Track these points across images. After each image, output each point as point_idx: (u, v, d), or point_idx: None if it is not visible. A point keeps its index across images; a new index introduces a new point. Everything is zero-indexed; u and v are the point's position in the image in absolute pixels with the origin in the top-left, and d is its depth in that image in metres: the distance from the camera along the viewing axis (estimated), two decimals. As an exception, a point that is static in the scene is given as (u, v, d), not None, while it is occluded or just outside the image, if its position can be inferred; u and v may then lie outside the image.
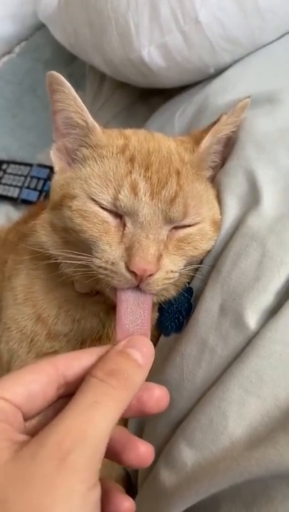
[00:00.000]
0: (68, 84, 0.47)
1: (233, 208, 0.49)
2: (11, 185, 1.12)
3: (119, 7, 0.75)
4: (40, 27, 1.39)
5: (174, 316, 0.49)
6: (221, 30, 0.70)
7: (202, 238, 0.47)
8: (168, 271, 0.44)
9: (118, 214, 0.45)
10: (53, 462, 0.25)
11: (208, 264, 0.48)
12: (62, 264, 0.50)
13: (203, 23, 0.69)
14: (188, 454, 0.39)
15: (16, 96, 1.33)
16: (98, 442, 0.27)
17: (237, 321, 0.41)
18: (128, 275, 0.42)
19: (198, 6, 0.68)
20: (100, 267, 0.43)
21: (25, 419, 0.30)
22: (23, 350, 0.55)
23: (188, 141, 0.52)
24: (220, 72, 0.74)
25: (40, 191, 1.07)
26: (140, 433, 0.50)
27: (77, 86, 0.56)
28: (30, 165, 1.13)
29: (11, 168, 1.15)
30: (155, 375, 0.45)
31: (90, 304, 0.52)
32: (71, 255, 0.45)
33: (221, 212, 0.49)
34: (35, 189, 1.08)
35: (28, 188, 1.09)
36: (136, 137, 0.50)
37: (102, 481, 0.27)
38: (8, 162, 1.17)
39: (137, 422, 0.51)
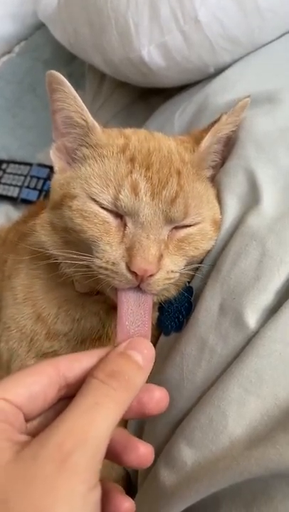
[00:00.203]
0: (68, 84, 0.47)
1: (232, 207, 0.49)
2: (10, 184, 1.12)
3: (119, 6, 0.75)
4: (40, 26, 1.39)
5: (174, 316, 0.49)
6: (221, 30, 0.70)
7: (203, 238, 0.47)
8: (169, 271, 0.44)
9: (119, 214, 0.45)
10: (54, 463, 0.25)
11: (208, 264, 0.48)
12: (63, 264, 0.50)
13: (202, 22, 0.69)
14: (188, 454, 0.39)
15: (15, 95, 1.33)
16: (99, 443, 0.27)
17: (237, 320, 0.41)
18: (129, 275, 0.42)
19: (198, 6, 0.68)
20: (101, 267, 0.43)
21: (27, 420, 0.30)
22: (23, 350, 0.55)
23: (189, 140, 0.52)
24: (220, 71, 0.74)
25: (40, 191, 1.07)
26: (140, 432, 0.50)
27: (77, 85, 0.56)
28: (30, 164, 1.13)
29: (11, 168, 1.15)
30: (155, 374, 0.45)
31: (89, 304, 0.52)
32: (71, 255, 0.45)
33: (221, 212, 0.49)
34: (35, 188, 1.08)
35: (27, 187, 1.09)
36: (136, 137, 0.50)
37: (102, 481, 0.27)
38: (8, 162, 1.17)
39: (136, 421, 0.51)
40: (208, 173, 0.53)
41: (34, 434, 0.28)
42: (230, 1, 0.68)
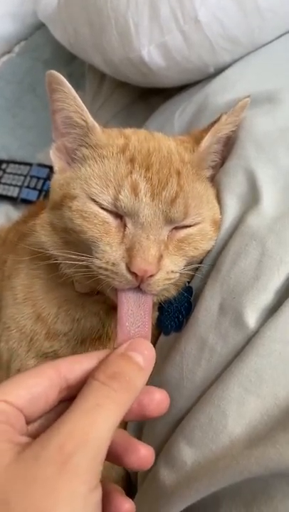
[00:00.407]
0: (68, 84, 0.47)
1: (232, 207, 0.49)
2: (10, 184, 1.12)
3: (119, 6, 0.76)
4: (39, 26, 1.39)
5: (173, 315, 0.49)
6: (221, 30, 0.70)
7: (202, 238, 0.47)
8: (168, 271, 0.44)
9: (118, 214, 0.45)
10: (55, 465, 0.25)
11: (208, 264, 0.48)
12: (63, 264, 0.50)
13: (202, 22, 0.69)
14: (187, 453, 0.39)
15: (15, 95, 1.33)
16: (100, 445, 0.27)
17: (237, 319, 0.41)
18: (129, 276, 0.42)
19: (198, 6, 0.68)
20: (101, 268, 0.43)
21: (28, 422, 0.30)
22: (23, 350, 0.55)
23: (188, 140, 0.52)
24: (220, 71, 0.74)
25: (40, 191, 1.07)
26: (140, 432, 0.50)
27: (77, 85, 0.56)
28: (30, 164, 1.13)
29: (11, 168, 1.15)
30: (155, 374, 0.45)
31: (89, 304, 0.52)
32: (71, 256, 0.45)
33: (221, 212, 0.49)
34: (34, 188, 1.08)
35: (27, 187, 1.09)
36: (136, 137, 0.50)
37: (103, 482, 0.28)
38: (8, 161, 1.17)
39: (136, 421, 0.51)
40: (208, 173, 0.53)
41: (35, 435, 0.28)
42: (230, 1, 0.68)
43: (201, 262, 0.49)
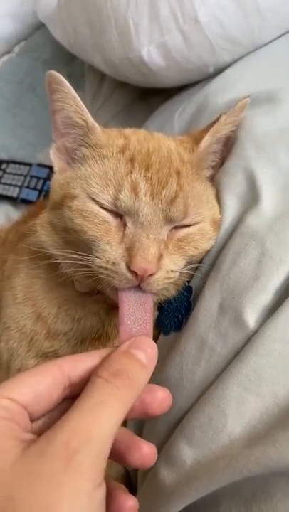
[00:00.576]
0: (68, 84, 0.47)
1: (232, 207, 0.49)
2: (10, 184, 1.12)
3: (119, 6, 0.76)
4: (39, 26, 1.39)
5: (173, 315, 0.49)
6: (221, 30, 0.70)
7: (202, 238, 0.47)
8: (168, 270, 0.44)
9: (118, 214, 0.45)
10: (60, 461, 0.25)
11: (207, 263, 0.48)
12: (63, 264, 0.50)
13: (202, 22, 0.69)
14: (187, 452, 0.39)
15: (15, 95, 1.33)
16: (104, 442, 0.27)
17: (236, 319, 0.41)
18: (129, 275, 0.42)
19: (198, 6, 0.68)
20: (101, 267, 0.43)
21: (32, 419, 0.30)
22: (23, 350, 0.55)
23: (188, 140, 0.52)
24: (219, 71, 0.75)
25: (40, 191, 1.07)
26: (139, 432, 0.50)
27: (77, 86, 0.56)
28: (30, 164, 1.13)
29: (11, 168, 1.15)
30: (155, 373, 0.45)
31: (89, 303, 0.52)
32: (71, 255, 0.45)
33: (221, 212, 0.50)
34: (34, 189, 1.08)
35: (27, 187, 1.09)
36: (136, 137, 0.50)
37: (106, 480, 0.28)
38: (8, 162, 1.17)
39: (136, 420, 0.51)
40: (208, 173, 0.53)
41: (39, 433, 0.28)
42: (230, 1, 0.68)
43: (200, 262, 0.49)
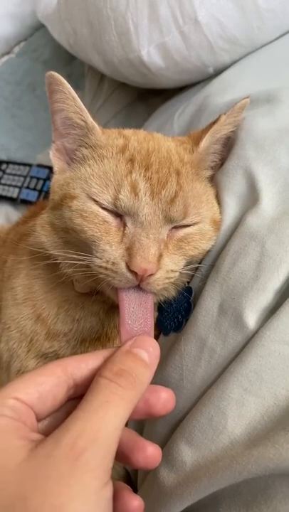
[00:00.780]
0: (68, 85, 0.47)
1: (232, 207, 0.49)
2: (10, 185, 1.12)
3: (119, 7, 0.76)
4: (39, 27, 1.40)
5: (173, 316, 0.49)
6: (220, 30, 0.70)
7: (202, 238, 0.47)
8: (168, 270, 0.44)
9: (118, 214, 0.45)
10: (67, 462, 0.26)
11: (207, 264, 0.48)
12: (62, 264, 0.50)
13: (202, 22, 0.69)
14: (187, 453, 0.39)
15: (15, 96, 1.33)
16: (110, 441, 0.28)
17: (236, 320, 0.41)
18: (129, 275, 0.42)
19: (198, 6, 0.69)
20: (101, 267, 0.43)
21: (38, 419, 0.31)
22: (23, 350, 0.55)
23: (188, 141, 0.52)
24: (219, 72, 0.75)
25: (40, 191, 1.07)
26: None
27: (76, 86, 0.56)
28: (30, 165, 1.13)
29: (11, 168, 1.15)
30: (155, 374, 0.45)
31: (89, 304, 0.52)
32: (71, 255, 0.45)
33: (220, 212, 0.49)
34: (34, 189, 1.08)
35: (27, 188, 1.09)
36: (135, 137, 0.50)
37: (112, 480, 0.28)
38: (8, 162, 1.17)
39: (136, 421, 0.51)
40: (208, 173, 0.53)
41: (45, 433, 0.29)
42: (229, 2, 0.68)
43: (200, 262, 0.49)
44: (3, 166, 1.17)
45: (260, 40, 0.73)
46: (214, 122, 0.50)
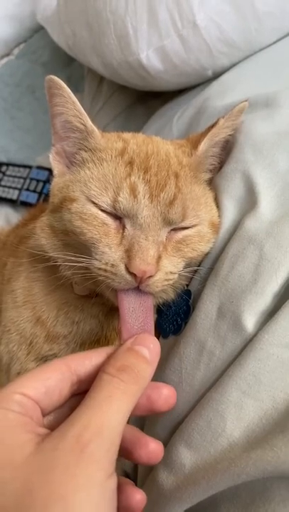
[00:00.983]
0: (67, 89, 0.47)
1: (230, 211, 0.49)
2: (10, 187, 1.12)
3: (118, 10, 0.76)
4: (38, 29, 1.40)
5: (172, 319, 0.49)
6: (219, 33, 0.70)
7: (200, 240, 0.47)
8: (167, 272, 0.44)
9: (117, 216, 0.45)
10: (73, 454, 0.26)
11: (206, 267, 0.48)
12: (62, 266, 0.50)
13: (200, 26, 0.70)
14: (186, 456, 0.39)
15: (14, 98, 1.33)
16: (114, 434, 0.28)
17: (235, 323, 0.41)
18: (128, 277, 0.42)
19: (196, 10, 0.69)
20: (100, 269, 0.43)
21: (43, 414, 0.32)
22: (23, 353, 0.55)
23: (186, 144, 0.52)
24: (218, 75, 0.75)
25: (40, 193, 1.07)
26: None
27: (75, 88, 0.56)
28: (30, 167, 1.13)
29: (11, 170, 1.16)
30: (154, 377, 0.45)
31: (89, 306, 0.53)
32: (71, 257, 0.46)
33: (219, 215, 0.50)
34: (34, 191, 1.08)
35: (27, 190, 1.09)
36: (134, 140, 0.50)
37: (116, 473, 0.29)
38: (8, 164, 1.17)
39: (135, 423, 0.51)
40: (206, 176, 0.53)
41: (51, 428, 0.30)
42: (228, 5, 0.68)
43: (199, 265, 0.49)
44: (3, 168, 1.17)
45: (259, 43, 0.73)
46: (213, 126, 0.50)
